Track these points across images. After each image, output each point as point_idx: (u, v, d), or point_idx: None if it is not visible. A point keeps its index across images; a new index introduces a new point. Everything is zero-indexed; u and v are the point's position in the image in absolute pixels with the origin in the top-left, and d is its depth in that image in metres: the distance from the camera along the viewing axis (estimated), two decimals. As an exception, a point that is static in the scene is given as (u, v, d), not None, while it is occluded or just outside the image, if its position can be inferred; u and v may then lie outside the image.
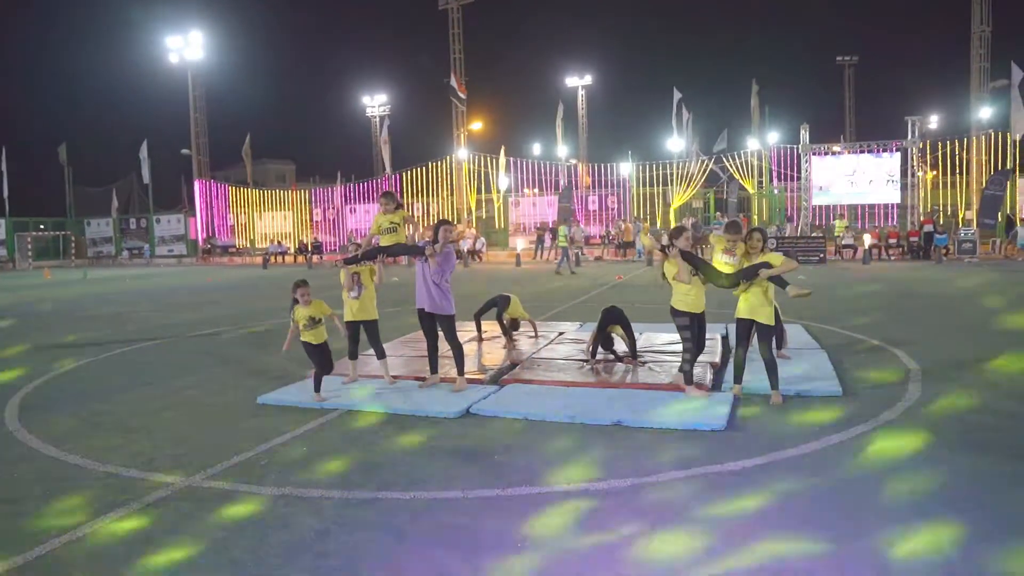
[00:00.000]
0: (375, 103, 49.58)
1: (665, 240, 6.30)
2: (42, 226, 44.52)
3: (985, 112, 30.62)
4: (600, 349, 7.68)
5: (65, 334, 11.53)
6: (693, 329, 6.17)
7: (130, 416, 6.31)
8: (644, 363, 7.40)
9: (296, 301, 6.55)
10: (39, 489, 4.57)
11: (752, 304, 6.12)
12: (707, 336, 8.56)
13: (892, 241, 27.03)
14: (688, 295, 6.13)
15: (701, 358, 7.50)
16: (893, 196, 29.54)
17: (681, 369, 6.36)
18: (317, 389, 6.39)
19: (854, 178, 29.51)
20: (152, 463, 4.96)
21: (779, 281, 6.14)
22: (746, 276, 6.08)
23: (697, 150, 36.82)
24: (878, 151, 29.43)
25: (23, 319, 14.03)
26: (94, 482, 4.66)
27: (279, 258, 36.19)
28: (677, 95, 36.30)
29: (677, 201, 34.96)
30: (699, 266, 6.19)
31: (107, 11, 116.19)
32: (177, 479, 4.63)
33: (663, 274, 6.40)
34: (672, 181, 35.40)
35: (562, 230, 24.64)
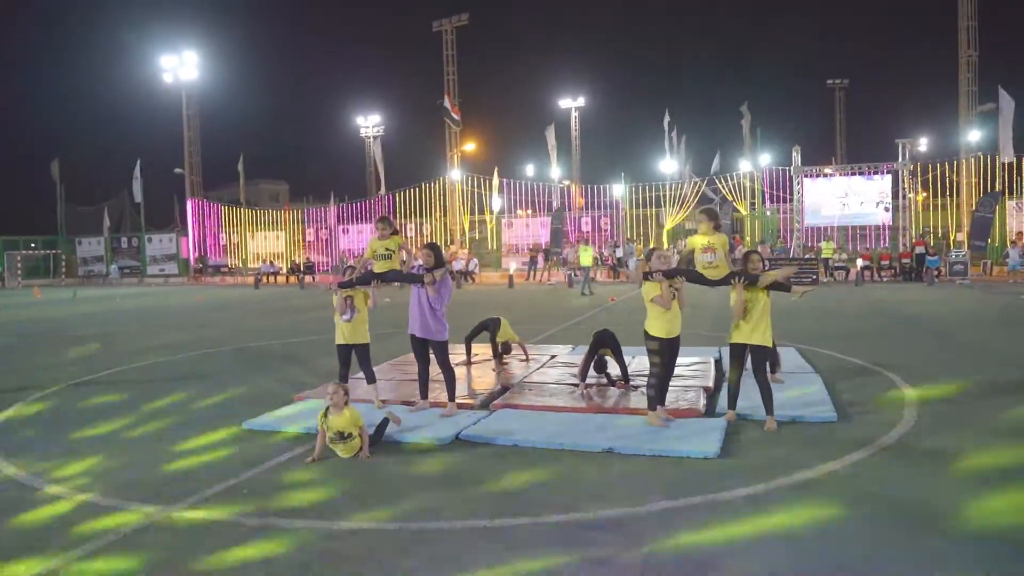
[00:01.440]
0: (369, 124, 49.65)
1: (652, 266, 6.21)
2: (33, 244, 44.24)
3: (974, 135, 30.90)
4: (593, 372, 7.60)
5: (49, 356, 11.36)
6: (663, 354, 6.01)
7: (111, 442, 6.18)
8: (636, 387, 7.31)
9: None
10: (12, 520, 4.43)
11: (748, 328, 6.04)
12: (700, 360, 8.57)
13: (884, 263, 27.11)
14: (660, 319, 5.97)
15: (693, 383, 7.45)
16: (884, 218, 29.69)
17: (646, 394, 6.20)
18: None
19: (846, 200, 29.66)
20: (131, 492, 4.83)
21: (782, 287, 6.11)
22: (744, 278, 5.99)
23: (690, 172, 36.99)
24: (869, 173, 29.62)
25: (8, 340, 13.85)
26: (70, 513, 4.52)
27: (271, 278, 36.04)
28: (669, 117, 36.57)
29: (670, 223, 35.04)
30: (685, 276, 6.10)
31: (101, 30, 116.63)
32: (156, 509, 4.50)
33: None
34: (665, 203, 35.50)
35: (587, 250, 24.32)
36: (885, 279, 26.28)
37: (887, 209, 29.28)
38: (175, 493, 4.77)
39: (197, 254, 42.00)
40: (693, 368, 8.20)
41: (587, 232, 36.83)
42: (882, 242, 30.58)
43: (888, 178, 29.19)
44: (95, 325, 16.28)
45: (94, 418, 7.04)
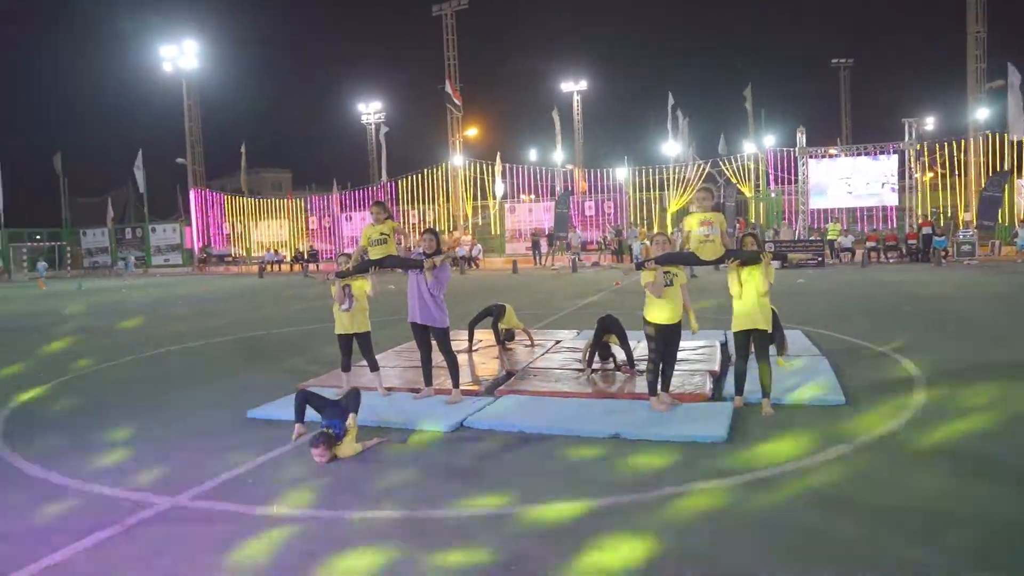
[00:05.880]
0: (370, 110, 49.53)
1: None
2: (38, 236, 44.33)
3: (982, 113, 30.60)
4: (597, 359, 7.56)
5: (56, 348, 11.37)
6: (659, 340, 6.00)
7: (117, 432, 6.17)
8: (641, 372, 7.25)
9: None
10: (20, 511, 4.43)
11: (749, 313, 6.00)
12: (705, 344, 8.52)
13: (890, 244, 26.94)
14: (657, 305, 5.96)
15: (699, 367, 7.41)
16: (891, 199, 29.49)
17: (646, 379, 6.20)
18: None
19: (851, 181, 29.47)
20: (137, 482, 4.82)
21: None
22: (739, 256, 6.00)
23: (693, 154, 36.80)
24: (875, 153, 29.40)
25: (14, 332, 13.87)
26: (77, 503, 4.52)
27: (275, 267, 36.05)
28: (672, 99, 36.32)
29: (673, 206, 34.89)
30: (678, 260, 6.06)
31: (101, 21, 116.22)
32: (162, 499, 4.49)
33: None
34: (668, 186, 35.36)
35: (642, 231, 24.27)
36: (892, 260, 26.14)
37: (893, 190, 29.09)
38: (179, 483, 4.76)
39: (201, 244, 42.03)
40: (699, 352, 8.15)
41: (591, 216, 36.73)
42: (889, 223, 30.39)
43: (895, 158, 28.98)
44: (101, 316, 16.31)
45: (99, 409, 7.04)
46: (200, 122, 42.40)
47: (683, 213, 34.51)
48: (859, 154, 29.87)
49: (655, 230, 32.71)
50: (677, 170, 35.19)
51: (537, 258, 31.52)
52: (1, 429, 6.35)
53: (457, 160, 38.91)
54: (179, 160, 43.07)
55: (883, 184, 29.15)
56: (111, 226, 44.69)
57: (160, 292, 24.17)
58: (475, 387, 7.03)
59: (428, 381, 6.78)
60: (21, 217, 45.07)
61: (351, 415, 5.41)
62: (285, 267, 36.54)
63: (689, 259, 6.09)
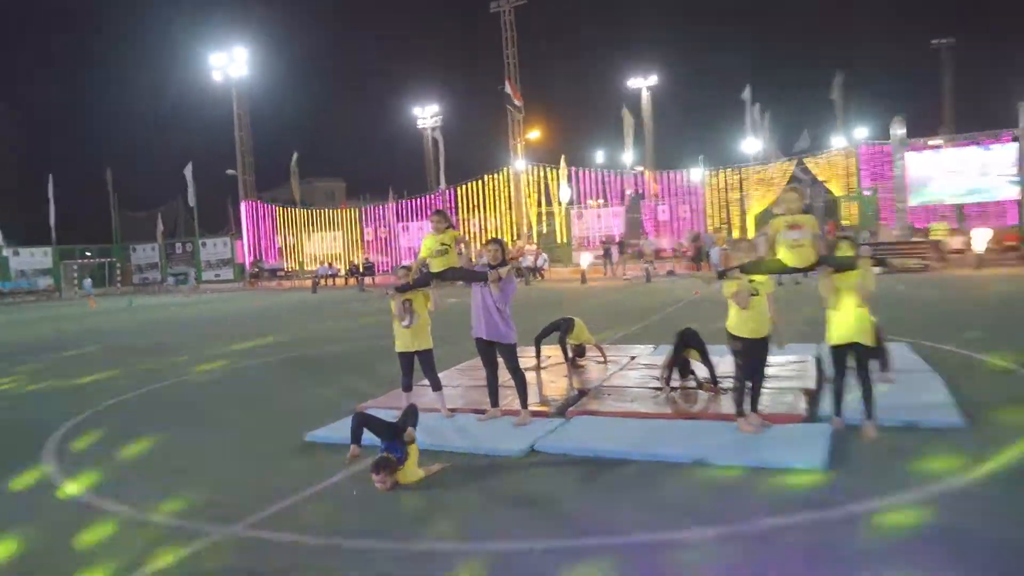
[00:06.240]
0: (426, 114, 50.25)
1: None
2: (88, 253, 46.40)
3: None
4: (677, 376, 7.43)
5: (108, 368, 11.83)
6: (747, 356, 5.87)
7: (170, 457, 6.36)
8: (726, 391, 7.10)
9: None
10: (70, 539, 4.59)
11: (847, 327, 5.79)
12: (796, 359, 8.27)
13: (1009, 244, 25.65)
14: (743, 317, 5.85)
15: (789, 384, 7.20)
16: (1008, 192, 28.14)
17: (732, 398, 6.07)
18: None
19: (958, 174, 28.32)
20: (191, 510, 4.94)
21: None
22: (833, 263, 5.81)
23: (776, 151, 36.05)
24: (986, 142, 28.21)
25: (67, 352, 14.51)
26: (128, 531, 4.66)
27: (329, 281, 36.78)
28: (750, 92, 35.69)
29: (756, 208, 34.20)
30: (765, 268, 5.91)
31: (149, 28, 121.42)
32: (216, 528, 4.59)
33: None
34: (749, 186, 34.71)
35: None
36: (1012, 262, 24.95)
37: (1011, 182, 27.75)
38: (235, 511, 4.84)
39: (252, 258, 43.24)
40: (790, 368, 7.92)
41: (665, 221, 36.36)
42: (1006, 220, 29.03)
43: (1012, 147, 27.67)
44: (152, 335, 16.93)
45: (154, 430, 7.26)
46: (250, 131, 43.82)
47: (766, 216, 33.91)
48: (967, 144, 28.70)
49: (735, 235, 32.15)
50: (758, 169, 34.53)
51: (608, 267, 31.36)
52: (55, 451, 6.62)
53: (519, 164, 39.10)
54: (229, 172, 44.54)
55: (998, 176, 27.90)
56: (161, 241, 46.45)
57: (212, 308, 24.95)
58: (544, 408, 7.00)
59: (494, 401, 6.77)
60: (72, 233, 47.18)
61: (409, 429, 5.45)
62: (340, 281, 37.28)
63: (777, 266, 5.94)
